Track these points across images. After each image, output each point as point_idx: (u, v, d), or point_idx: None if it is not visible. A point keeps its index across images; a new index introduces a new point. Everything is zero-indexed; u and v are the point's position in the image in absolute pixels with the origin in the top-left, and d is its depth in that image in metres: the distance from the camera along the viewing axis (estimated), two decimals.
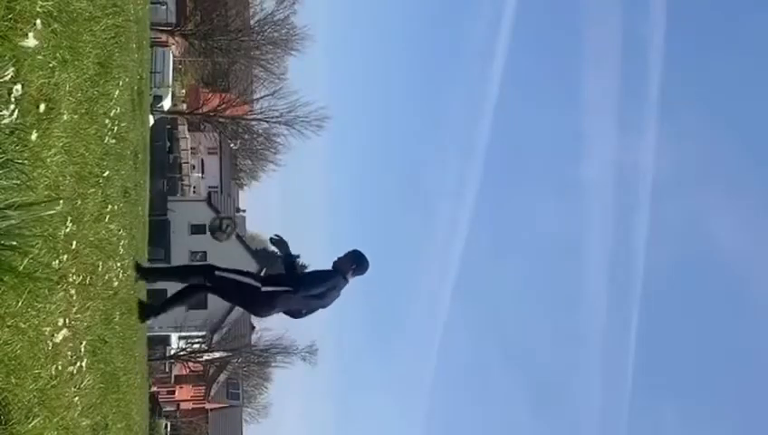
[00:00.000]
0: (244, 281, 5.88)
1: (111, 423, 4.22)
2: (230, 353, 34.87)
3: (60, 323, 3.06)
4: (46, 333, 2.84)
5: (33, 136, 2.67)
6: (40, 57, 2.74)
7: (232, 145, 40.31)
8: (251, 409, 45.74)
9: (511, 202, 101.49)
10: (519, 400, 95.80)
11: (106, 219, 4.24)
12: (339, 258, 5.90)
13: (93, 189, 3.84)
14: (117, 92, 4.82)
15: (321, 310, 6.04)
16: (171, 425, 34.61)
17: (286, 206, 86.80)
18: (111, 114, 4.55)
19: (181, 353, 35.02)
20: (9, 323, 2.41)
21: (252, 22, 37.29)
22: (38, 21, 2.71)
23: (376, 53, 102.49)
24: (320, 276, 5.81)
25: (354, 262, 5.86)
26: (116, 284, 4.66)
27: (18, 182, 2.31)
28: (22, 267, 2.37)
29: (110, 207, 4.37)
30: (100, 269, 4.01)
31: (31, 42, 2.61)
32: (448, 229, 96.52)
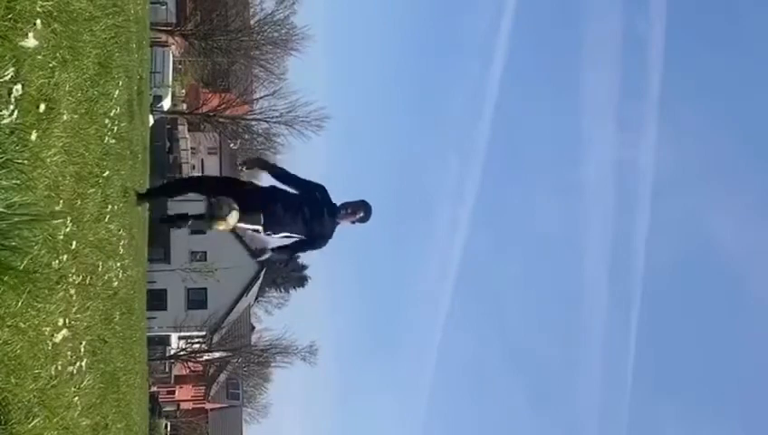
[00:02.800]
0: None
1: (111, 423, 4.22)
2: (230, 353, 34.86)
3: (60, 323, 3.06)
4: (46, 333, 2.84)
5: (33, 136, 2.67)
6: (40, 57, 2.74)
7: (232, 145, 40.27)
8: (251, 409, 45.77)
9: (511, 201, 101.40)
10: (519, 399, 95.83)
11: (106, 219, 4.24)
12: (349, 201, 6.17)
13: (93, 189, 3.84)
14: (117, 92, 4.82)
15: (321, 241, 6.14)
16: (171, 425, 34.62)
17: None
18: (111, 114, 4.55)
19: (181, 353, 35.00)
20: (9, 323, 2.41)
21: (252, 22, 37.27)
22: (38, 21, 2.70)
23: (376, 52, 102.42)
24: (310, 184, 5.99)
25: (362, 209, 6.17)
26: (116, 284, 4.66)
27: (18, 182, 2.31)
28: (22, 267, 2.37)
29: (109, 207, 4.37)
30: (100, 269, 4.01)
31: (31, 42, 2.61)
32: (448, 229, 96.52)
